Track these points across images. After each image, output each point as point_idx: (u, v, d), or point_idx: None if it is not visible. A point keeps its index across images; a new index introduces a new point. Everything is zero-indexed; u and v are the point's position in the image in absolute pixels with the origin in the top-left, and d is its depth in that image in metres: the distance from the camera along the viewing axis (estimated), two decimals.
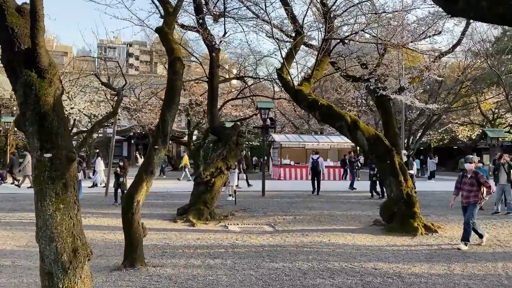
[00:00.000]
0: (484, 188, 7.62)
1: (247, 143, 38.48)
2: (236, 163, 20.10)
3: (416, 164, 30.03)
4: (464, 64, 30.74)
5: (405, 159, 23.86)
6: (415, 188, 18.08)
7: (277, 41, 12.00)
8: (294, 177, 26.75)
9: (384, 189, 16.81)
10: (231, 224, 10.13)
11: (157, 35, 8.45)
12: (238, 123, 13.46)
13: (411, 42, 14.36)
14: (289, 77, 10.25)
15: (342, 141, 27.41)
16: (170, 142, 35.65)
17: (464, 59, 31.18)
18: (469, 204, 7.67)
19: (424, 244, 7.90)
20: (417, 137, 32.25)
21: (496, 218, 10.95)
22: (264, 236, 8.69)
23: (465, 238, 7.57)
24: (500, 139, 30.34)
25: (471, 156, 8.26)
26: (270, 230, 9.48)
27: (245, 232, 9.17)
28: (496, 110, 37.67)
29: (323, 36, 10.12)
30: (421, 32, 13.96)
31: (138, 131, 36.46)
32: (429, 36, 14.36)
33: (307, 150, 27.97)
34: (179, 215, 10.87)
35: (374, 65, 14.28)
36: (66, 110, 23.83)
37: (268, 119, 15.60)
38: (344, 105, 36.40)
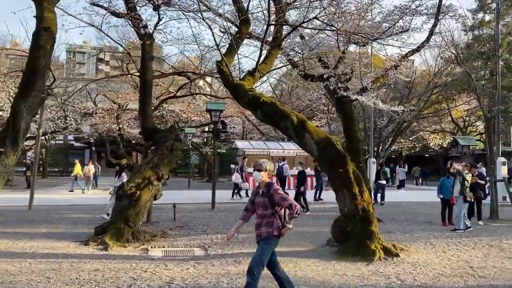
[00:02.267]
0: (284, 210, 4.71)
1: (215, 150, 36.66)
2: (238, 171, 18.70)
3: (387, 173, 28.96)
4: (435, 69, 29.91)
5: (375, 167, 22.70)
6: (383, 200, 17.03)
7: (224, 31, 10.40)
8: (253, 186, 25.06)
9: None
10: (155, 247, 8.33)
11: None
12: (176, 125, 11.66)
13: (375, 39, 13.03)
14: (228, 70, 8.59)
15: None
16: (129, 149, 33.68)
17: (434, 65, 30.38)
18: (261, 239, 4.77)
19: (380, 274, 6.29)
20: (387, 145, 31.09)
21: (469, 236, 9.49)
22: (186, 264, 6.94)
23: None
24: (471, 147, 29.53)
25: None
26: (199, 255, 7.74)
27: (166, 258, 7.41)
28: (467, 118, 37.10)
29: (267, 21, 8.52)
30: (387, 29, 12.62)
31: (95, 138, 34.30)
32: (396, 34, 13.02)
33: (272, 158, 26.45)
34: (96, 234, 8.99)
35: (335, 63, 12.85)
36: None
37: (219, 122, 13.91)
38: (316, 112, 35.19)
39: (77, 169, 21.80)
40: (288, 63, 11.65)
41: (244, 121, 33.01)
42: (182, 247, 8.47)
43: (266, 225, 4.71)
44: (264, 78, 36.78)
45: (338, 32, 10.45)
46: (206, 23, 8.19)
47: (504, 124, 38.00)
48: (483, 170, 20.27)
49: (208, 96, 22.26)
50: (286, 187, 19.49)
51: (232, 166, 33.38)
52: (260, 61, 9.36)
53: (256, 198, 4.86)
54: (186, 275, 6.21)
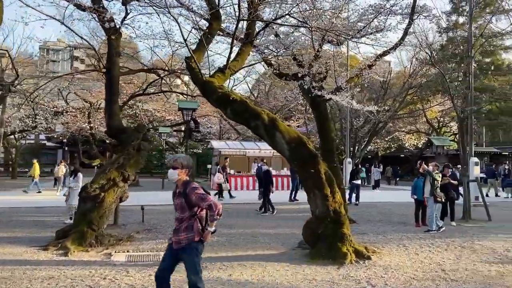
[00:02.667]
0: (206, 212, 4.24)
1: (191, 150, 36.19)
2: (221, 171, 18.31)
3: (362, 173, 29.04)
4: (410, 70, 30.19)
5: (351, 167, 22.65)
6: (358, 200, 16.95)
7: (196, 28, 10.03)
8: (234, 187, 24.72)
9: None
10: (119, 252, 7.93)
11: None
12: (144, 124, 11.24)
13: (350, 39, 12.92)
14: (197, 67, 8.26)
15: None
16: (101, 149, 32.80)
17: (410, 66, 30.67)
18: (181, 248, 4.23)
19: (351, 279, 6.07)
20: (363, 145, 31.21)
21: (441, 237, 9.40)
22: (149, 270, 6.57)
23: None
24: (445, 147, 29.97)
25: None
26: None
27: (129, 264, 7.04)
28: (441, 119, 37.68)
29: (237, 16, 8.23)
30: (361, 28, 12.51)
31: (68, 137, 33.35)
32: (371, 33, 12.92)
33: (249, 158, 26.17)
34: (58, 239, 8.53)
35: (309, 62, 12.66)
36: None
37: (191, 121, 13.53)
38: (294, 112, 35.08)
39: (36, 169, 20.83)
40: (261, 61, 11.36)
41: (221, 120, 32.65)
42: (147, 251, 8.09)
43: (185, 230, 4.17)
44: (238, 76, 36.57)
45: (312, 29, 10.25)
46: (173, 16, 7.82)
47: (477, 125, 38.81)
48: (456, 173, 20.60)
49: (184, 95, 21.88)
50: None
51: (209, 166, 32.99)
52: (232, 58, 9.11)
53: (174, 199, 4.33)
54: (148, 282, 5.86)
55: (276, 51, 12.75)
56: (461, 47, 28.26)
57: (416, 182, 11.21)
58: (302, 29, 12.26)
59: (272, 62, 13.39)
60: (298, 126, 36.43)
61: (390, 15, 12.49)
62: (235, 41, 11.26)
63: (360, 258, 7.15)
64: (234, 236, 9.48)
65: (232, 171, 25.39)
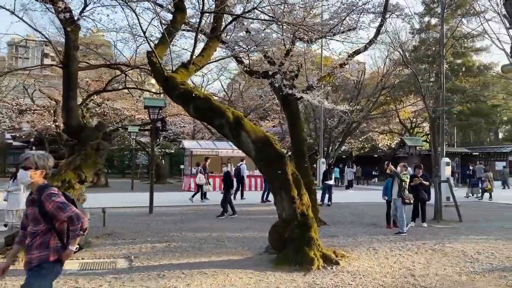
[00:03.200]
0: (68, 225, 3.36)
1: (161, 150, 35.44)
2: (202, 172, 17.65)
3: (335, 173, 28.98)
4: (383, 71, 30.35)
5: (324, 167, 22.46)
6: (331, 201, 16.72)
7: (158, 19, 9.52)
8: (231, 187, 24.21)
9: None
10: (73, 259, 7.34)
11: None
12: (104, 122, 10.65)
13: (322, 37, 12.67)
14: (158, 61, 7.76)
15: None
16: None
17: (383, 66, 30.83)
18: (31, 269, 3.32)
19: (317, 287, 5.71)
20: (337, 145, 31.18)
21: (412, 239, 9.18)
22: (102, 279, 6.07)
23: None
24: (417, 147, 30.21)
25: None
26: (122, 267, 6.88)
27: (81, 273, 6.52)
28: (414, 119, 38.10)
29: (201, 8, 7.79)
30: (333, 26, 12.26)
31: (35, 136, 32.10)
32: (343, 32, 12.68)
33: (221, 158, 25.66)
34: (7, 245, 7.88)
35: (280, 59, 12.34)
36: None
37: (158, 120, 12.98)
38: (269, 112, 34.75)
39: None
40: (229, 56, 10.93)
41: (194, 119, 31.94)
42: (104, 258, 7.56)
43: (38, 247, 3.28)
44: (212, 75, 35.97)
45: (282, 25, 9.90)
46: (130, 7, 7.31)
47: (449, 126, 39.42)
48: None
49: (152, 93, 21.23)
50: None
51: (182, 166, 32.33)
52: (197, 53, 8.66)
53: (27, 208, 3.43)
54: None
55: (246, 47, 12.39)
56: (433, 48, 28.55)
57: (387, 182, 11.01)
58: (273, 26, 11.93)
59: (243, 59, 13.03)
60: (273, 126, 36.18)
61: (362, 13, 12.30)
62: (202, 36, 10.84)
63: (328, 263, 6.81)
64: (199, 240, 9.02)
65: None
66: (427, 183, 11.30)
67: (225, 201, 12.85)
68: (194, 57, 8.32)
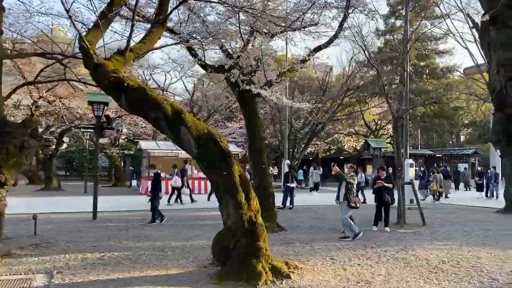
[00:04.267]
0: None
1: (120, 151, 33.87)
2: (179, 174, 16.48)
3: (299, 175, 28.38)
4: (348, 72, 30.09)
5: (286, 169, 21.75)
6: (292, 204, 15.99)
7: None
8: (164, 190, 23.04)
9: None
10: None
11: None
12: (32, 119, 9.47)
13: (283, 31, 11.97)
14: (87, 47, 6.74)
15: None
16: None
17: (348, 67, 30.58)
18: None
19: None
20: (302, 147, 30.63)
21: (373, 246, 8.50)
22: None
23: None
24: (382, 149, 30.06)
25: None
26: (38, 285, 5.82)
27: None
28: (379, 121, 38.17)
29: None
30: (294, 20, 11.56)
31: None
32: (304, 27, 12.00)
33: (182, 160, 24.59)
34: None
35: (238, 53, 11.54)
36: None
37: (103, 117, 11.86)
38: (236, 112, 33.84)
39: None
40: (177, 43, 9.99)
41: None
42: (21, 274, 6.45)
43: None
44: (173, 74, 34.58)
45: (237, 10, 9.06)
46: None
47: (412, 127, 39.72)
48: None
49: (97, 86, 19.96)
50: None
51: (150, 169, 30.82)
52: (139, 40, 7.71)
53: None
54: None
55: (201, 39, 11.52)
56: (398, 50, 28.50)
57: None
58: (232, 20, 11.13)
59: (197, 52, 12.16)
60: (240, 127, 35.29)
61: (325, 8, 11.70)
62: (145, 21, 9.86)
63: (278, 276, 6.00)
64: (139, 250, 8.03)
65: (163, 174, 23.72)
66: (390, 185, 10.71)
67: (153, 206, 11.68)
68: (139, 44, 7.39)
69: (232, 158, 6.38)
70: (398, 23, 32.39)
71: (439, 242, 8.99)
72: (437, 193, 19.30)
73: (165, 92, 32.31)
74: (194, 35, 11.49)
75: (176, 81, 66.56)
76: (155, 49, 8.18)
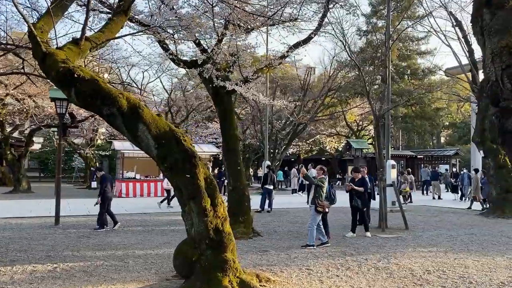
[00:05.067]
0: None
1: (95, 152, 32.76)
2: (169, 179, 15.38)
3: (279, 176, 27.79)
4: (330, 71, 29.67)
5: (266, 171, 21.12)
6: (271, 207, 15.35)
7: None
8: (140, 193, 22.23)
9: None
10: None
11: None
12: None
13: (261, 26, 11.41)
14: (35, 34, 5.98)
15: (200, 150, 23.72)
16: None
17: (330, 66, 30.17)
18: None
19: None
20: (283, 148, 30.06)
21: (353, 254, 7.92)
22: None
23: None
24: (363, 150, 29.69)
25: None
26: None
27: None
28: (361, 122, 37.88)
29: None
30: (272, 14, 10.98)
31: None
32: (283, 22, 11.43)
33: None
34: None
35: (212, 47, 10.91)
36: None
37: (67, 115, 11.03)
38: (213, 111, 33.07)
39: None
40: (143, 31, 9.25)
41: None
42: None
43: None
44: (150, 72, 33.56)
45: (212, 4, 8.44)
46: None
47: (394, 128, 39.56)
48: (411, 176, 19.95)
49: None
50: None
51: (97, 172, 29.73)
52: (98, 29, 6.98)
53: None
54: None
55: (173, 33, 10.85)
56: (380, 50, 28.20)
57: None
58: (207, 13, 10.47)
59: (171, 46, 11.47)
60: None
61: (305, 2, 11.18)
62: (107, 10, 9.14)
63: None
64: (97, 261, 7.27)
65: (138, 176, 22.86)
66: (360, 188, 9.90)
67: (102, 211, 10.83)
68: (97, 33, 6.66)
69: (197, 159, 5.70)
70: (380, 23, 32.16)
71: (423, 248, 8.46)
72: (408, 195, 19.01)
73: (143, 92, 31.48)
74: (165, 28, 10.81)
75: (154, 80, 65.45)
76: (115, 38, 7.44)
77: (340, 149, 38.68)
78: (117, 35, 7.67)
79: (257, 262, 7.15)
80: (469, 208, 16.27)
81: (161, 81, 53.71)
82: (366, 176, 12.41)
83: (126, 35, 7.60)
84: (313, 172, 16.24)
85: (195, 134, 32.15)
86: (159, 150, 5.69)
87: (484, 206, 15.82)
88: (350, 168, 32.02)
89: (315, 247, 8.37)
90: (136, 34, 8.14)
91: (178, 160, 5.66)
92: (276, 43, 16.70)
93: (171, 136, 5.72)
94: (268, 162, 24.79)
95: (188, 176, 5.60)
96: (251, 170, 36.74)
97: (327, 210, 8.67)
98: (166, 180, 15.88)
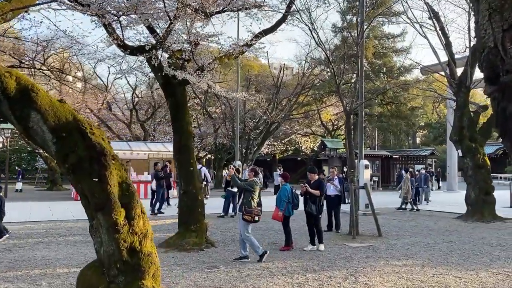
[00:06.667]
0: None
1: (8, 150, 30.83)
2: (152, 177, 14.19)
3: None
4: (304, 69, 28.71)
5: (228, 173, 19.78)
6: (235, 211, 14.03)
7: None
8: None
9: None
10: None
11: None
12: None
13: (221, 11, 10.23)
14: None
15: (165, 150, 22.29)
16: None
17: (304, 64, 29.21)
18: None
19: None
20: (256, 147, 28.87)
21: (316, 269, 6.73)
22: None
23: None
24: (338, 150, 28.81)
25: None
26: None
27: None
28: (336, 122, 37.04)
29: None
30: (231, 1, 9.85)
31: None
32: (246, 8, 10.27)
33: (147, 160, 22.14)
34: None
35: (162, 31, 9.68)
36: None
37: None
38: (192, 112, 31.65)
39: None
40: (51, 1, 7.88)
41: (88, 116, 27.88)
42: None
43: None
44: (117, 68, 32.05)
45: None
46: None
47: (369, 128, 38.90)
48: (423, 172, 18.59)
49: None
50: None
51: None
52: None
53: None
54: None
55: (117, 15, 9.51)
56: (355, 48, 27.36)
57: (280, 192, 8.49)
58: None
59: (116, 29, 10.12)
60: (194, 127, 33.12)
61: None
62: None
63: None
64: (4, 284, 5.87)
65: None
66: (316, 192, 8.47)
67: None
68: (2, 2, 5.27)
69: (108, 157, 4.41)
70: (355, 21, 31.35)
71: (397, 261, 7.35)
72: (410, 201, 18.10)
73: (108, 88, 29.80)
74: (108, 9, 9.45)
75: (120, 76, 63.48)
76: (24, 8, 6.05)
77: (316, 148, 37.79)
78: (32, 6, 6.35)
79: (199, 284, 5.90)
80: (400, 208, 16.18)
81: (125, 77, 51.70)
82: (336, 177, 11.39)
83: (38, 4, 6.20)
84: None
85: (163, 133, 30.64)
86: (58, 145, 4.38)
87: (413, 207, 15.81)
88: (326, 168, 31.16)
89: (248, 259, 7.26)
90: (49, 2, 6.64)
91: (82, 158, 4.36)
92: (245, 33, 15.39)
93: (74, 128, 4.42)
94: (239, 162, 23.53)
95: (96, 180, 4.31)
96: (224, 171, 35.46)
97: (256, 218, 7.38)
98: (154, 182, 14.41)
